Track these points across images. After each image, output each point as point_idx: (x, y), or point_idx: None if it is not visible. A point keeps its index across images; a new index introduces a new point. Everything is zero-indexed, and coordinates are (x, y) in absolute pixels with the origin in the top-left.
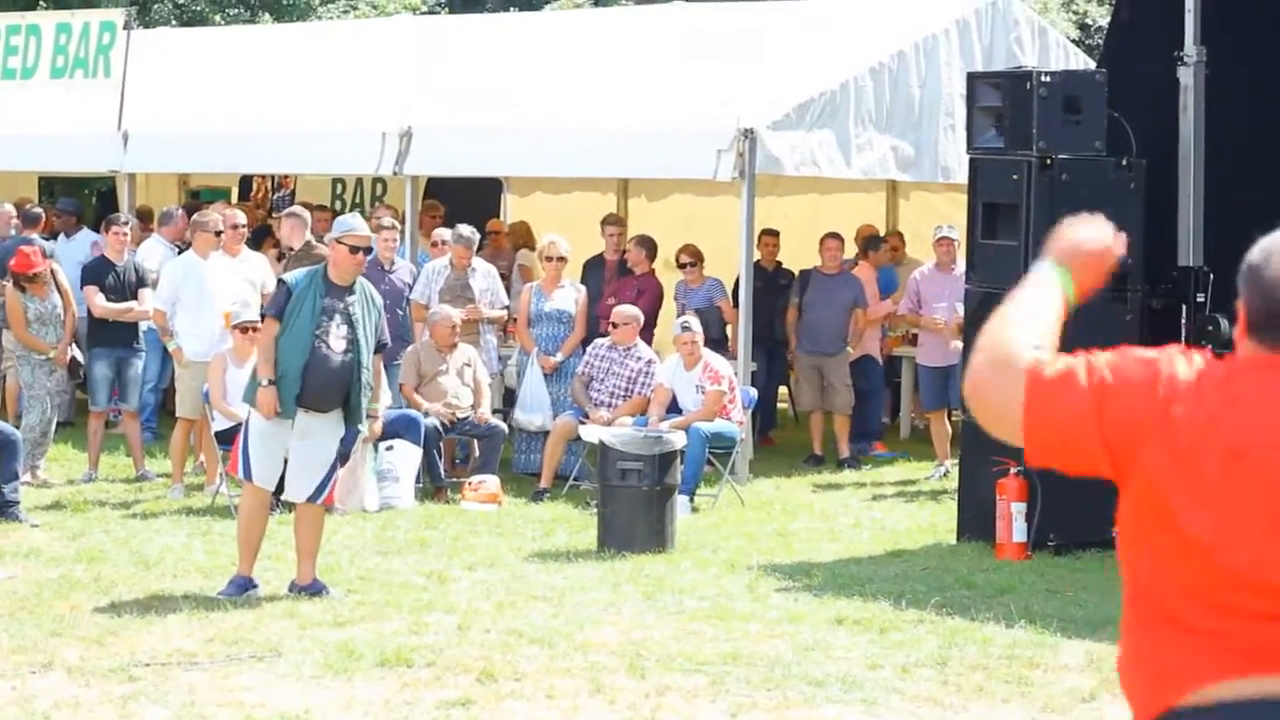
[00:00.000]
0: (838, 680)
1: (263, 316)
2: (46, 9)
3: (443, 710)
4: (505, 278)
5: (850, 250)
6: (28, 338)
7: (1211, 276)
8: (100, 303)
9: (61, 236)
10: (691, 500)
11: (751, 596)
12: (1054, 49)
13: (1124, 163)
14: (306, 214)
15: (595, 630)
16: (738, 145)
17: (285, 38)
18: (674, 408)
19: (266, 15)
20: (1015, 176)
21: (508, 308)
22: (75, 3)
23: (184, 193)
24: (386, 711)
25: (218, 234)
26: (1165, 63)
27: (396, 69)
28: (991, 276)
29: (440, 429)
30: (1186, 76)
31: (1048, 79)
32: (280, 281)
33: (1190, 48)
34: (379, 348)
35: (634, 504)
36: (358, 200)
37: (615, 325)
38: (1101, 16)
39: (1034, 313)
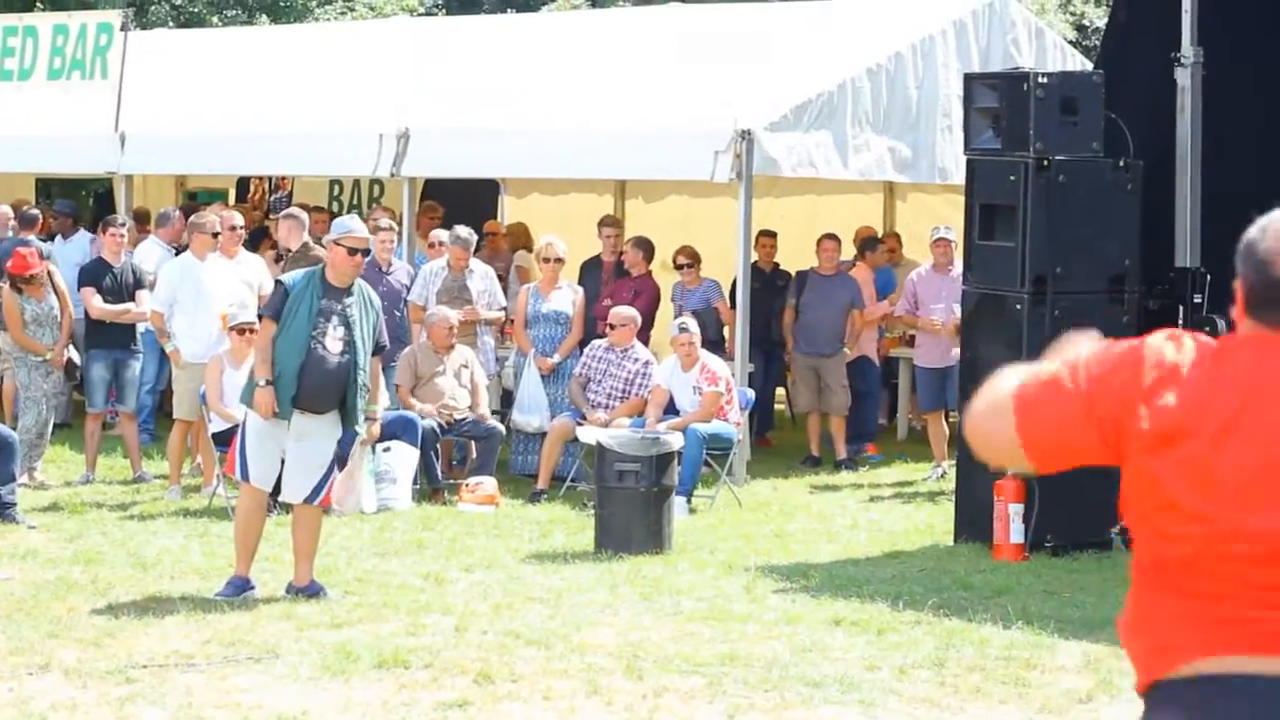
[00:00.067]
0: (835, 681)
1: (260, 317)
2: (44, 10)
3: (440, 712)
4: (502, 279)
5: (848, 251)
6: (24, 339)
7: (1209, 277)
8: (97, 304)
9: (58, 238)
10: (689, 501)
11: (749, 598)
12: (1051, 50)
13: (1121, 164)
14: (304, 215)
15: (592, 631)
16: (735, 146)
17: (282, 39)
18: (671, 409)
19: (264, 17)
20: (1012, 177)
21: (505, 309)
22: (72, 4)
23: (181, 194)
24: (384, 713)
25: (215, 235)
26: (1162, 64)
27: (393, 70)
28: (989, 277)
29: (437, 430)
30: (1183, 78)
31: (1045, 80)
32: (278, 283)
33: (1187, 49)
34: (377, 349)
35: (631, 505)
36: (355, 202)
37: (612, 326)
38: (1099, 18)
39: (1022, 370)
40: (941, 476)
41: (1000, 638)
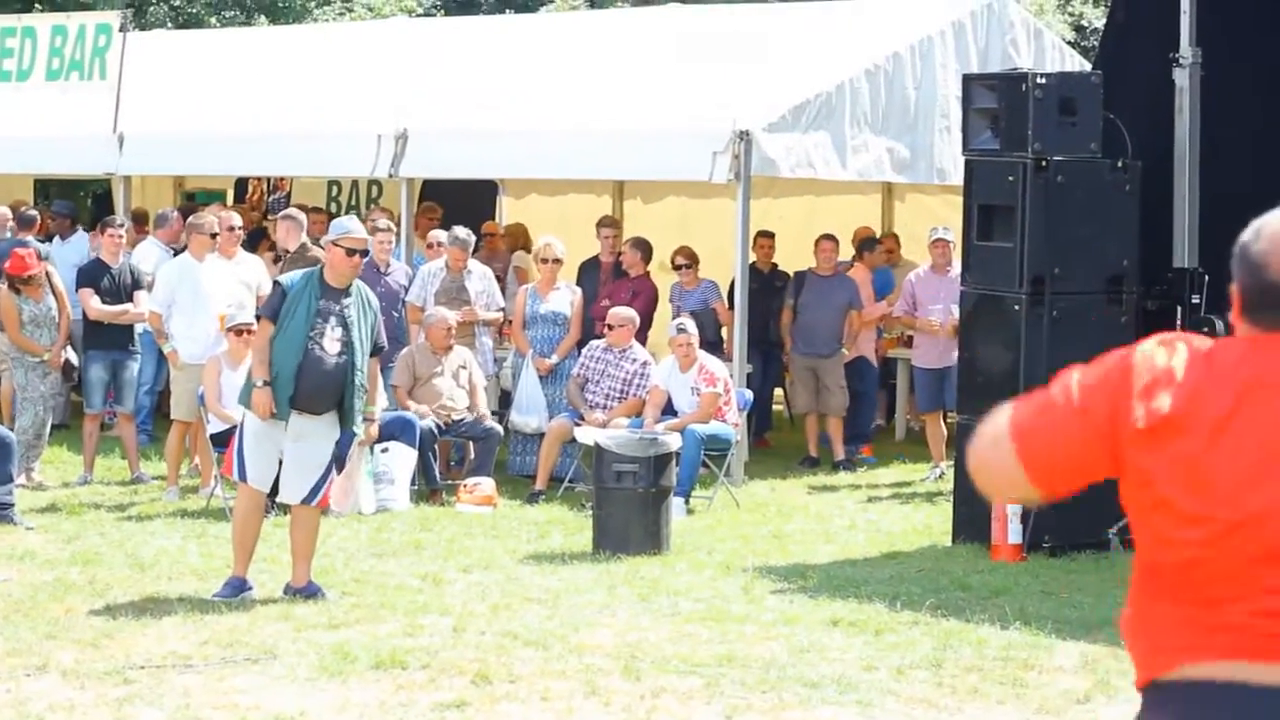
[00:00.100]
0: (833, 682)
1: (258, 318)
2: (42, 11)
3: (438, 712)
4: (501, 280)
5: (846, 252)
6: (22, 340)
7: (1207, 278)
8: (95, 305)
9: (57, 239)
10: (687, 502)
11: (746, 598)
12: (1049, 51)
13: (1119, 164)
14: (302, 216)
15: (590, 632)
16: (733, 147)
17: (281, 40)
18: (669, 409)
19: (262, 18)
20: (1011, 178)
21: (503, 310)
22: (71, 5)
23: (179, 195)
24: (381, 714)
25: (213, 236)
26: (1161, 64)
27: (392, 71)
28: (987, 278)
29: (435, 431)
30: (1182, 78)
31: (1043, 81)
32: (276, 283)
33: (1185, 49)
34: (375, 350)
35: (629, 506)
36: (353, 202)
37: (610, 327)
38: (1097, 18)
39: (1016, 402)
40: (939, 477)
41: (998, 638)
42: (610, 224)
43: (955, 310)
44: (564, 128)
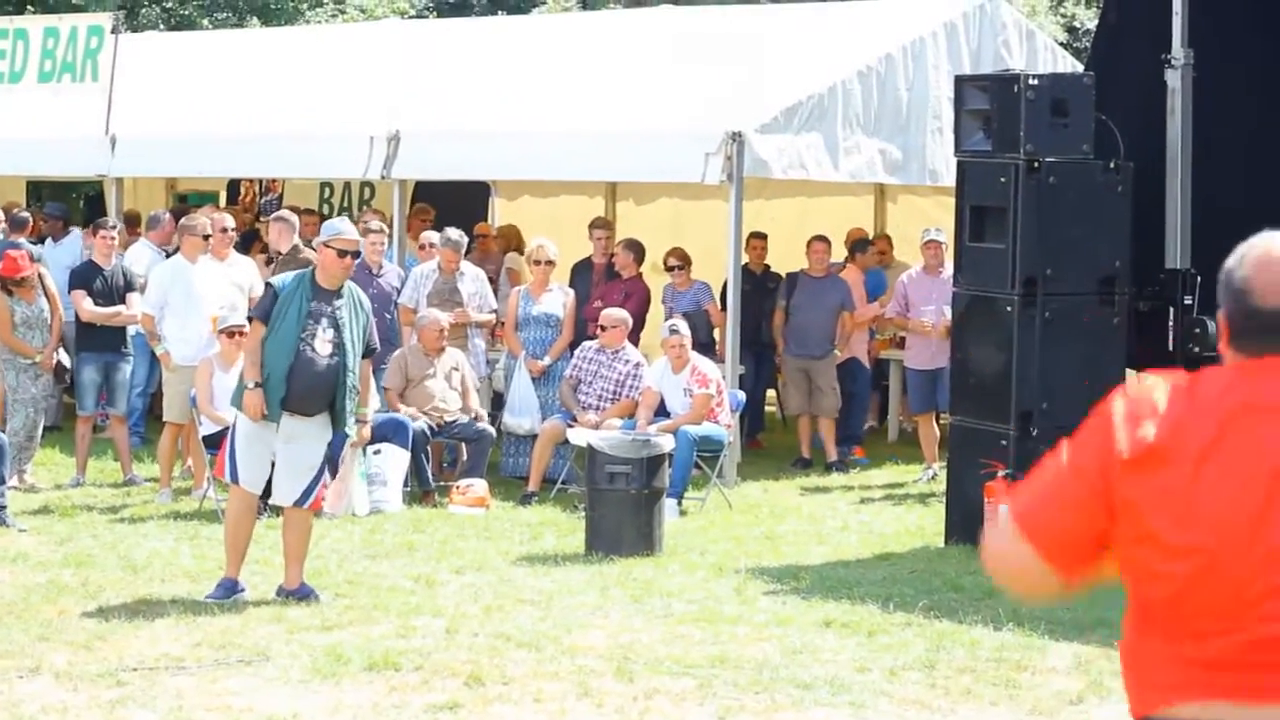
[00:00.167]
0: (825, 683)
1: (249, 320)
2: (34, 13)
3: (430, 714)
4: (493, 281)
5: (838, 253)
6: (14, 342)
7: (1199, 279)
8: (88, 307)
9: (49, 241)
10: (679, 503)
11: (739, 599)
12: (1042, 52)
13: (1111, 165)
14: (294, 218)
15: (583, 634)
16: (726, 148)
17: (273, 42)
18: (662, 411)
19: (254, 19)
20: (1003, 179)
21: (496, 311)
22: (63, 7)
23: (172, 197)
24: (374, 715)
25: (206, 238)
26: (1153, 66)
27: (384, 73)
28: (979, 279)
29: (428, 433)
30: (1174, 79)
31: (1035, 82)
32: (267, 285)
33: (1177, 50)
34: (368, 352)
35: (622, 507)
36: (345, 204)
37: (603, 328)
38: (1089, 19)
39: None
40: (932, 478)
41: (991, 639)
42: (603, 225)
43: (947, 311)
44: (557, 129)
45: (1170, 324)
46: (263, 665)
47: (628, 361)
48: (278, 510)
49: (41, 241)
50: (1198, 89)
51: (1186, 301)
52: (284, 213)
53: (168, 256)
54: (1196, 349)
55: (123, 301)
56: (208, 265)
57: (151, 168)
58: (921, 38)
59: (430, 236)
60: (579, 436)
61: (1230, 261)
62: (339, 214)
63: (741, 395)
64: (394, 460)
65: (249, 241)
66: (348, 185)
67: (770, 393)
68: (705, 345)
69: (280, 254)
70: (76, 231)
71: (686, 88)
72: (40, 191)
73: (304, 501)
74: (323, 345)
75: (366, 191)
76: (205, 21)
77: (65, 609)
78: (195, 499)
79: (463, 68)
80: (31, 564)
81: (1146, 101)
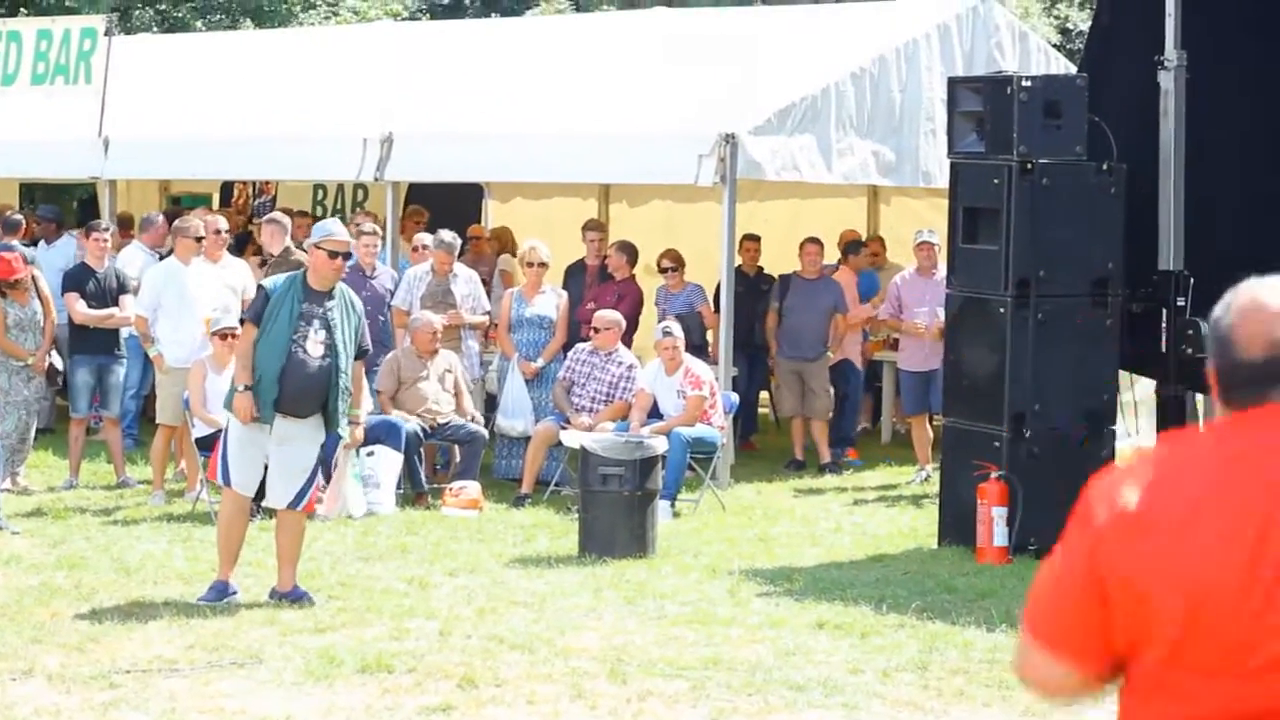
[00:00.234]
0: (819, 685)
1: (241, 322)
2: (28, 15)
3: (423, 716)
4: (486, 283)
5: (831, 255)
6: (6, 344)
7: (1192, 280)
8: (81, 309)
9: (42, 243)
10: (673, 505)
11: (733, 601)
12: (1035, 53)
13: (1104, 167)
14: (287, 220)
15: (576, 636)
16: (719, 150)
17: (266, 44)
18: (655, 413)
19: (248, 21)
20: (996, 181)
21: (489, 313)
22: (56, 9)
23: (165, 199)
24: (367, 718)
25: (199, 240)
26: (1146, 67)
27: (378, 75)
28: (972, 281)
29: (421, 434)
30: (1167, 81)
31: (1028, 83)
32: (259, 287)
33: (1171, 52)
34: (360, 354)
35: (615, 509)
36: (339, 206)
37: (596, 330)
38: (1082, 21)
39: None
40: (925, 480)
41: (984, 641)
42: (596, 227)
43: (940, 313)
44: (550, 131)
45: (1163, 325)
46: (256, 667)
47: (621, 363)
48: (271, 512)
49: (34, 244)
50: (1191, 90)
51: (1179, 303)
52: (276, 215)
53: (161, 259)
54: (1189, 350)
55: (116, 304)
56: (201, 267)
57: (145, 170)
58: (914, 39)
59: (423, 238)
60: (572, 438)
61: (1217, 310)
62: (332, 216)
63: (734, 397)
64: (387, 462)
65: (243, 244)
66: (341, 187)
67: (763, 395)
68: (698, 347)
69: (272, 256)
70: (69, 234)
71: (680, 89)
72: (33, 194)
73: (297, 504)
74: (314, 347)
75: (360, 194)
76: (199, 24)
77: (58, 611)
78: (188, 501)
79: (456, 70)
80: (24, 566)
81: (1139, 103)
